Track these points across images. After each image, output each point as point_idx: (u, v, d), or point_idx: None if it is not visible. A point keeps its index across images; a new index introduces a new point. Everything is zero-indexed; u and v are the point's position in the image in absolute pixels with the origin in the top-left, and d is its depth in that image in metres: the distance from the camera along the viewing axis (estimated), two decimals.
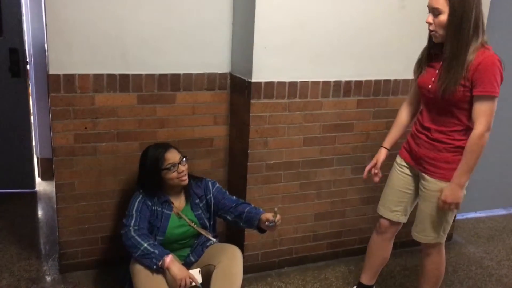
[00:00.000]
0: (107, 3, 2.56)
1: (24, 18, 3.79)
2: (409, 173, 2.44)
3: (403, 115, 2.50)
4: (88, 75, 2.62)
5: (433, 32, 2.15)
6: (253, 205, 2.51)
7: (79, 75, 2.60)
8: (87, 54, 2.59)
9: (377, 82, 2.98)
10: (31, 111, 4.06)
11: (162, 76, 2.76)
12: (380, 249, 2.66)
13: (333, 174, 3.04)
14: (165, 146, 2.45)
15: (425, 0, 2.90)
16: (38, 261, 3.03)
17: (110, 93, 2.68)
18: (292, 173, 2.93)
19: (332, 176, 3.04)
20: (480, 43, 2.08)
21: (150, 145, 2.51)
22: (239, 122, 2.87)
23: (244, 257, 2.43)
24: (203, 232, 2.49)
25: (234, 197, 2.57)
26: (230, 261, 2.32)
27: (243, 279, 2.35)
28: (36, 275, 2.88)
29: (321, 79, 2.83)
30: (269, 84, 2.71)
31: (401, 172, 2.47)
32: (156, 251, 2.20)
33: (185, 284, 2.16)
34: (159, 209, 2.42)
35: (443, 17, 2.07)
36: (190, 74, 2.82)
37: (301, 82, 2.78)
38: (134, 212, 2.36)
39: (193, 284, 2.21)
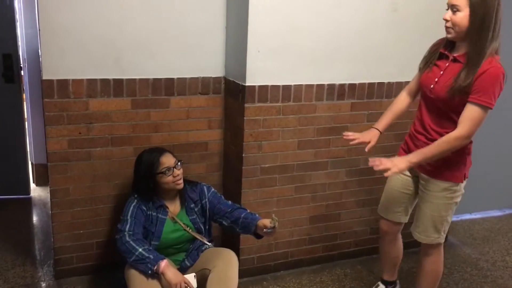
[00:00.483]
0: (100, 8, 2.56)
1: (17, 23, 3.79)
2: (408, 174, 2.45)
3: (400, 101, 2.47)
4: (81, 80, 2.62)
5: (449, 29, 2.11)
6: (248, 210, 2.51)
7: (73, 80, 2.60)
8: (80, 59, 2.59)
9: (371, 85, 2.99)
10: (26, 116, 4.05)
11: (156, 80, 2.76)
12: (389, 249, 2.69)
13: (328, 177, 3.05)
14: (160, 150, 2.45)
15: (417, 3, 2.96)
16: (33, 267, 3.02)
17: (104, 98, 2.68)
18: (287, 177, 2.93)
19: (327, 179, 3.05)
20: (493, 50, 2.05)
21: (145, 149, 2.51)
22: (233, 126, 2.88)
23: (239, 261, 2.43)
24: (198, 236, 2.49)
25: (230, 201, 2.57)
26: (226, 265, 2.32)
27: (239, 283, 2.35)
28: (31, 281, 2.87)
29: (315, 83, 2.84)
30: (263, 88, 2.71)
31: (404, 178, 2.47)
32: (151, 256, 2.20)
33: None
34: (154, 214, 2.42)
35: (461, 15, 2.04)
36: (184, 79, 2.83)
37: (295, 85, 2.79)
38: (129, 217, 2.36)
39: None
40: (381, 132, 2.45)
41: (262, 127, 2.77)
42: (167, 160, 2.40)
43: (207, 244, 2.51)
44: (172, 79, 2.80)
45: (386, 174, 2.11)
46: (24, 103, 4.03)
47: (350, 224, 3.22)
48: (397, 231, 2.63)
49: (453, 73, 2.13)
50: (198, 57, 2.83)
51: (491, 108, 2.06)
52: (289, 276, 3.06)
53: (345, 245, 3.25)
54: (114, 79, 2.68)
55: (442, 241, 2.42)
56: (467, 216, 4.07)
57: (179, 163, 2.43)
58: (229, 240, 3.04)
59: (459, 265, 3.30)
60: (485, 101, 2.04)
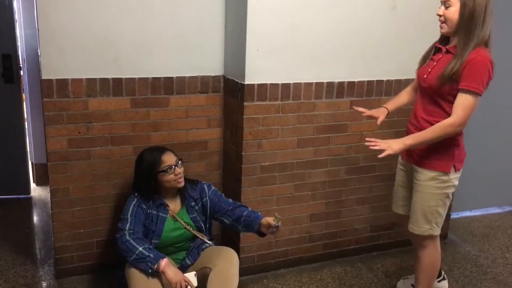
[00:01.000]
0: (99, 8, 2.56)
1: (16, 24, 3.79)
2: (404, 169, 2.56)
3: (406, 92, 2.63)
4: (81, 79, 2.62)
5: (442, 23, 2.24)
6: (250, 208, 2.51)
7: (72, 79, 2.60)
8: (79, 59, 2.59)
9: (370, 82, 2.99)
10: (25, 116, 4.06)
11: (155, 79, 2.77)
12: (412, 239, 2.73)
13: (328, 175, 3.05)
14: (161, 149, 2.46)
15: (416, 1, 2.96)
16: (34, 267, 3.02)
17: (103, 97, 2.68)
18: (287, 175, 2.93)
19: (327, 177, 3.05)
20: (482, 41, 2.15)
21: (145, 148, 2.52)
22: (233, 124, 2.88)
23: (240, 259, 2.44)
24: (198, 235, 2.49)
25: (230, 199, 2.57)
26: (226, 264, 2.33)
27: (239, 281, 2.35)
28: (32, 281, 2.87)
29: (314, 81, 2.84)
30: (262, 86, 2.72)
31: (399, 169, 2.61)
32: (151, 255, 2.20)
33: None
34: (155, 212, 2.42)
35: (452, 10, 2.17)
36: (183, 77, 2.83)
37: (294, 83, 2.79)
38: (129, 216, 2.36)
39: (189, 287, 2.21)
40: (388, 111, 2.57)
41: (261, 126, 2.78)
42: (169, 158, 2.41)
43: (207, 243, 2.51)
44: (171, 78, 2.80)
45: (380, 155, 2.18)
46: (24, 103, 4.03)
47: (350, 222, 3.22)
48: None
49: (445, 63, 2.23)
50: (197, 56, 2.83)
51: (480, 94, 2.14)
52: (289, 274, 3.07)
53: (345, 243, 3.26)
54: (113, 79, 2.68)
55: (435, 233, 2.46)
56: (466, 213, 4.08)
57: (180, 162, 2.44)
58: (229, 239, 3.04)
59: (459, 262, 3.31)
60: (473, 87, 2.12)
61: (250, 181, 2.84)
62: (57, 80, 2.58)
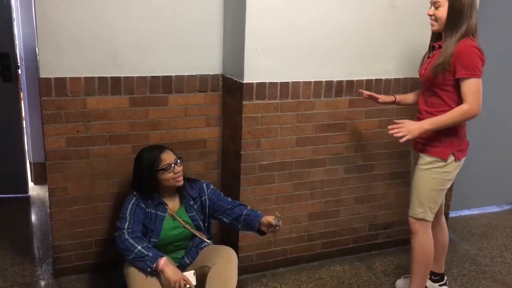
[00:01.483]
0: (97, 7, 2.56)
1: (14, 22, 3.78)
2: (414, 158, 2.66)
3: (412, 93, 2.76)
4: (79, 78, 2.61)
5: (433, 22, 2.41)
6: (249, 207, 2.51)
7: (70, 78, 2.60)
8: (78, 58, 2.59)
9: (369, 81, 2.99)
10: (23, 115, 4.05)
11: (154, 78, 2.76)
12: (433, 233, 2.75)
13: (326, 174, 3.05)
14: (160, 148, 2.46)
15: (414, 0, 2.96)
16: (32, 266, 3.02)
17: (102, 96, 2.68)
18: (285, 174, 2.93)
19: (325, 176, 3.05)
20: (468, 32, 2.31)
21: (144, 147, 2.51)
22: (231, 123, 2.88)
23: (238, 258, 2.44)
24: (197, 233, 2.49)
25: (229, 198, 2.57)
26: (225, 263, 2.32)
27: (238, 280, 2.35)
28: (30, 280, 2.87)
29: (312, 79, 2.84)
30: (261, 85, 2.71)
31: (412, 160, 2.72)
32: (150, 254, 2.20)
33: (179, 287, 2.16)
34: (153, 211, 2.42)
35: (442, 10, 2.34)
36: (182, 76, 2.82)
37: (293, 82, 2.79)
38: (127, 214, 2.35)
39: (188, 286, 2.20)
40: (395, 99, 2.73)
41: (260, 124, 2.77)
42: (168, 157, 2.41)
43: (206, 242, 2.51)
44: (170, 77, 2.80)
45: (401, 140, 2.36)
46: (22, 102, 4.02)
47: (348, 221, 3.22)
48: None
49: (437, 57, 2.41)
50: (196, 54, 2.83)
51: (478, 77, 2.28)
52: (288, 273, 3.07)
53: (344, 241, 3.26)
54: (111, 77, 2.67)
55: (427, 218, 2.54)
56: (465, 212, 4.08)
57: (179, 160, 2.43)
58: (228, 238, 3.04)
59: (457, 261, 3.31)
60: (469, 73, 2.28)
61: (249, 180, 2.84)
62: (56, 78, 2.57)
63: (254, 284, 2.93)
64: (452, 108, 2.37)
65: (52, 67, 2.55)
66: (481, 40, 2.39)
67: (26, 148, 4.05)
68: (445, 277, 2.92)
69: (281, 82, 2.76)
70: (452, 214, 3.90)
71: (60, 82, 2.58)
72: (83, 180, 2.76)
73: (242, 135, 2.75)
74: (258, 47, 2.64)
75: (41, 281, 2.87)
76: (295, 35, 2.72)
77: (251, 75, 2.67)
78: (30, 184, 4.20)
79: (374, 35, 2.92)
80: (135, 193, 2.43)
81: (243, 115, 2.71)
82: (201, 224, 2.52)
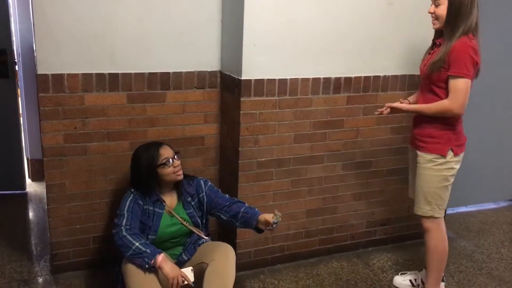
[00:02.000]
0: (95, 2, 2.55)
1: (11, 18, 3.76)
2: (412, 155, 2.69)
3: (415, 95, 2.75)
4: (77, 74, 2.60)
5: (434, 20, 2.44)
6: (247, 204, 2.51)
7: (68, 74, 2.59)
8: (75, 54, 2.58)
9: (367, 78, 2.99)
10: (20, 112, 4.03)
11: (152, 75, 2.76)
12: None
13: (324, 170, 3.05)
14: (157, 143, 2.46)
15: None
16: (30, 262, 3.01)
17: (100, 92, 2.67)
18: (283, 170, 2.93)
19: (323, 173, 3.05)
20: (467, 30, 2.33)
21: (140, 145, 2.50)
22: (229, 120, 2.87)
23: (236, 254, 2.43)
24: (195, 230, 2.49)
25: (227, 195, 2.57)
26: (223, 260, 2.32)
27: (236, 277, 2.35)
28: (28, 277, 2.86)
29: (310, 76, 2.84)
30: (259, 82, 2.71)
31: (410, 156, 2.76)
32: (148, 250, 2.20)
33: (177, 283, 2.16)
34: (151, 208, 2.42)
35: (442, 8, 2.36)
36: (180, 73, 2.82)
37: (291, 79, 2.79)
38: (125, 211, 2.35)
39: (186, 282, 2.21)
40: (410, 102, 2.72)
41: (258, 121, 2.77)
42: (166, 152, 2.41)
43: (204, 238, 2.51)
44: (168, 73, 2.79)
45: (378, 110, 2.57)
46: (19, 98, 4.01)
47: (346, 218, 3.23)
48: None
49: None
50: (194, 51, 2.82)
51: (465, 77, 2.31)
52: (285, 269, 3.07)
53: (342, 238, 3.26)
54: (109, 74, 2.67)
55: (436, 215, 2.57)
56: (462, 209, 4.10)
57: (177, 154, 2.43)
58: (226, 234, 3.05)
59: (454, 257, 3.32)
60: (458, 71, 2.31)
61: (247, 176, 2.84)
62: (53, 75, 2.56)
63: (252, 280, 2.94)
64: None
65: (50, 64, 2.54)
66: (480, 38, 2.39)
67: (23, 145, 4.04)
68: (443, 274, 2.92)
69: (279, 79, 2.76)
70: (449, 211, 3.91)
71: (58, 78, 2.57)
72: (80, 176, 2.76)
73: (240, 132, 2.74)
74: (256, 43, 2.64)
75: (38, 277, 2.87)
76: (293, 31, 2.72)
77: (249, 71, 2.67)
78: (28, 180, 4.19)
79: (373, 32, 2.92)
80: (132, 190, 2.43)
81: (241, 111, 2.71)
82: (199, 220, 2.52)
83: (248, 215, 2.42)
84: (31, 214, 3.75)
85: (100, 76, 2.65)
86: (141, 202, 2.40)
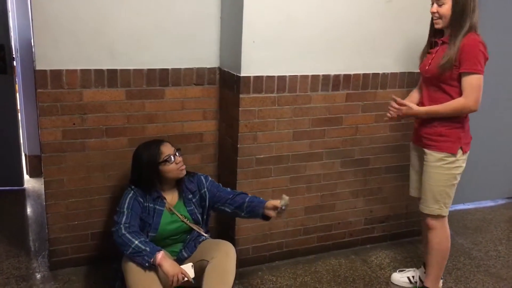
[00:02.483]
0: None
1: (10, 14, 3.75)
2: (416, 153, 2.69)
3: (415, 92, 2.73)
4: (75, 70, 2.60)
5: (437, 19, 2.43)
6: (249, 194, 2.52)
7: (67, 70, 2.58)
8: (74, 50, 2.57)
9: (366, 75, 2.99)
10: (19, 107, 4.02)
11: (151, 71, 2.75)
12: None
13: (323, 167, 3.05)
14: (158, 141, 2.46)
15: None
16: (28, 259, 3.01)
17: (98, 88, 2.66)
18: (282, 167, 2.93)
19: (322, 170, 3.06)
20: (471, 28, 2.35)
21: (140, 144, 2.49)
22: (228, 116, 2.87)
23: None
24: (195, 227, 2.49)
25: (229, 188, 2.59)
26: (224, 257, 2.32)
27: (235, 274, 2.35)
28: (26, 273, 2.86)
29: (310, 73, 2.83)
30: (258, 79, 2.71)
31: (412, 154, 2.74)
32: (147, 248, 2.19)
33: (177, 280, 2.16)
34: (151, 205, 2.41)
35: (446, 7, 2.36)
36: (179, 69, 2.81)
37: (290, 76, 2.78)
38: (125, 209, 2.34)
39: (186, 279, 2.21)
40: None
41: (257, 118, 2.77)
42: (167, 149, 2.41)
43: (204, 235, 2.51)
44: (167, 69, 2.78)
45: (391, 113, 2.51)
46: (17, 94, 3.99)
47: (344, 215, 3.23)
48: None
49: (442, 53, 2.42)
50: (193, 47, 2.81)
51: (479, 73, 2.32)
52: (284, 266, 3.08)
53: (340, 235, 3.27)
54: (108, 70, 2.66)
55: (444, 213, 2.58)
56: (460, 207, 4.10)
57: (177, 151, 2.43)
58: (224, 231, 3.05)
59: (452, 255, 3.32)
60: (472, 68, 2.32)
61: (246, 173, 2.84)
62: (52, 70, 2.55)
63: (250, 277, 2.94)
64: None
65: (48, 59, 2.53)
66: (482, 36, 2.39)
67: (21, 141, 4.03)
68: (442, 272, 2.93)
69: (278, 76, 2.75)
70: None
71: (56, 74, 2.57)
72: (79, 172, 2.75)
73: (239, 129, 2.74)
74: (256, 40, 2.63)
75: (36, 274, 2.86)
76: (292, 28, 2.71)
77: (248, 68, 2.67)
78: (26, 176, 4.18)
79: (372, 29, 2.92)
80: (133, 187, 2.42)
81: (240, 108, 2.71)
82: (199, 217, 2.52)
83: (253, 203, 2.44)
84: (29, 210, 3.74)
85: (98, 72, 2.64)
86: (141, 200, 2.40)
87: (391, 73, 3.05)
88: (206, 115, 2.96)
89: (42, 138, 2.63)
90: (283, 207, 2.36)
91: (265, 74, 2.72)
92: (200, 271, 2.30)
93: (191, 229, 2.48)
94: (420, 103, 2.59)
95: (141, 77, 2.74)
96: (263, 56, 2.68)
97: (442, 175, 2.50)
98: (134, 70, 2.71)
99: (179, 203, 2.49)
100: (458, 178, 2.55)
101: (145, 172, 2.39)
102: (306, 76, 2.83)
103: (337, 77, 2.91)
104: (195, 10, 2.76)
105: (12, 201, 3.82)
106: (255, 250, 3.03)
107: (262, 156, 2.85)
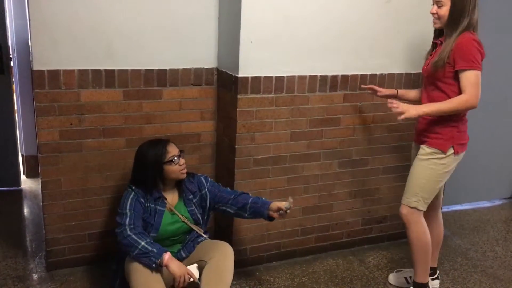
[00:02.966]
0: None
1: (7, 13, 3.74)
2: (416, 151, 2.66)
3: (414, 90, 2.81)
4: (73, 70, 2.59)
5: (436, 20, 2.46)
6: (251, 194, 2.53)
7: (64, 70, 2.58)
8: (71, 50, 2.57)
9: (363, 76, 2.99)
10: (16, 108, 4.01)
11: (148, 71, 2.75)
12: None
13: (320, 168, 3.06)
14: (164, 141, 2.45)
15: None
16: (25, 259, 3.00)
17: (96, 89, 2.66)
18: (280, 168, 2.93)
19: (319, 170, 3.06)
20: (467, 27, 2.37)
21: (146, 141, 2.48)
22: (226, 117, 2.87)
23: None
24: (195, 228, 2.48)
25: (229, 188, 2.59)
26: (222, 258, 2.33)
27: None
28: (23, 273, 2.85)
29: (307, 74, 2.84)
30: (256, 79, 2.71)
31: (413, 153, 2.73)
32: (154, 249, 2.18)
33: (184, 281, 2.17)
34: (153, 205, 2.40)
35: (445, 8, 2.39)
36: (177, 70, 2.81)
37: (287, 76, 2.79)
38: (127, 210, 2.33)
39: (191, 280, 2.21)
40: (397, 93, 2.80)
41: (255, 118, 2.77)
42: (173, 149, 2.42)
43: (203, 236, 2.51)
44: (165, 70, 2.78)
45: (399, 117, 2.41)
46: (14, 94, 3.98)
47: (342, 215, 3.23)
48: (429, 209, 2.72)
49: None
50: (191, 48, 2.81)
51: (478, 69, 2.34)
52: (281, 266, 3.08)
53: (337, 235, 3.27)
54: (105, 70, 2.65)
55: (420, 207, 2.57)
56: (457, 207, 4.11)
57: (181, 153, 2.45)
58: (222, 232, 3.05)
59: (449, 255, 3.34)
60: (468, 65, 2.34)
61: (243, 174, 2.84)
62: (49, 71, 2.55)
63: (248, 277, 2.94)
64: None
65: (46, 59, 2.53)
66: (480, 36, 2.41)
67: (18, 141, 4.02)
68: (438, 271, 2.94)
69: (276, 76, 2.75)
70: (444, 209, 3.92)
71: (54, 74, 2.56)
72: (76, 173, 2.75)
73: (236, 129, 2.74)
74: (253, 40, 2.64)
75: (34, 274, 2.86)
76: (290, 29, 2.72)
77: (246, 69, 2.67)
78: (22, 177, 4.16)
79: (370, 30, 2.92)
80: (134, 187, 2.41)
81: (237, 109, 2.71)
82: (200, 217, 2.52)
83: (257, 205, 2.45)
84: (26, 211, 3.73)
85: (96, 72, 2.64)
86: (142, 200, 2.38)
87: (389, 73, 3.06)
88: (203, 115, 2.96)
89: (39, 138, 2.63)
90: (287, 210, 2.38)
91: (262, 75, 2.72)
92: (199, 271, 2.29)
93: (191, 230, 2.48)
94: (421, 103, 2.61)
95: (139, 77, 2.73)
96: (261, 57, 2.68)
97: (427, 169, 2.52)
98: (132, 70, 2.71)
99: (180, 204, 2.49)
100: (445, 177, 2.57)
101: (150, 170, 2.38)
102: (304, 77, 2.83)
103: (334, 77, 2.92)
104: (193, 11, 2.76)
105: (9, 202, 3.81)
106: (252, 251, 3.03)
107: (259, 157, 2.85)
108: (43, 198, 2.75)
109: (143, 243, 2.20)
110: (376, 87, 2.82)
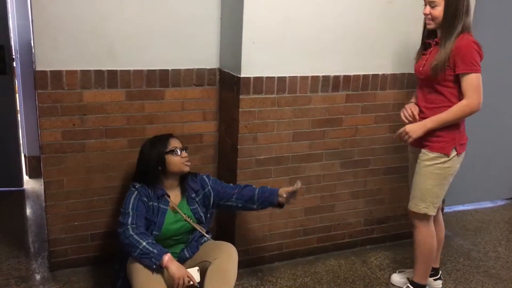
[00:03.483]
0: None
1: (9, 14, 3.75)
2: (413, 154, 2.69)
3: (413, 98, 2.73)
4: (75, 71, 2.60)
5: (429, 21, 2.44)
6: (254, 186, 2.54)
7: (67, 71, 2.58)
8: (74, 50, 2.57)
9: (366, 76, 2.99)
10: (18, 108, 4.02)
11: (151, 72, 2.75)
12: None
13: (322, 168, 3.05)
14: (168, 134, 2.51)
15: None
16: (27, 260, 3.01)
17: (98, 89, 2.67)
18: (282, 168, 2.93)
19: (321, 171, 3.06)
20: (464, 29, 2.36)
21: (150, 137, 2.53)
22: (228, 117, 2.87)
23: None
24: (198, 227, 2.48)
25: (231, 184, 2.60)
26: (226, 259, 2.32)
27: None
28: (26, 274, 2.86)
29: (310, 74, 2.84)
30: (258, 79, 2.71)
31: (410, 155, 2.75)
32: (155, 251, 2.18)
33: (183, 283, 2.16)
34: (156, 204, 2.41)
35: (439, 9, 2.37)
36: (179, 70, 2.81)
37: (290, 77, 2.79)
38: (130, 209, 2.33)
39: (191, 283, 2.20)
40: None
41: (257, 119, 2.77)
42: (175, 142, 2.46)
43: (206, 236, 2.51)
44: (167, 70, 2.79)
45: (408, 142, 2.48)
46: (17, 94, 3.99)
47: (344, 216, 3.23)
48: None
49: (435, 54, 2.43)
50: (193, 48, 2.82)
51: (478, 72, 2.34)
52: (283, 267, 3.08)
53: (339, 236, 3.27)
54: (108, 70, 2.66)
55: (430, 213, 2.58)
56: (459, 208, 4.11)
57: (185, 148, 2.48)
58: (224, 232, 3.05)
59: (451, 256, 3.33)
60: (469, 68, 2.33)
61: (245, 174, 2.84)
62: (52, 71, 2.55)
63: (250, 278, 2.94)
64: (454, 103, 2.41)
65: (48, 60, 2.53)
66: (477, 37, 2.41)
67: (21, 142, 4.02)
68: (440, 272, 2.94)
69: (278, 77, 2.75)
70: (447, 210, 3.92)
71: (56, 75, 2.57)
72: (78, 173, 2.75)
73: (238, 130, 2.74)
74: (256, 41, 2.64)
75: (36, 274, 2.86)
76: (292, 29, 2.72)
77: (248, 69, 2.67)
78: (25, 177, 4.17)
79: (372, 30, 2.92)
80: (137, 186, 2.41)
81: (240, 109, 2.71)
82: (202, 216, 2.52)
83: (266, 194, 2.47)
84: (28, 211, 3.74)
85: (98, 73, 2.64)
86: (145, 199, 2.39)
87: (391, 74, 3.06)
88: (206, 116, 2.96)
89: (42, 139, 2.63)
90: (296, 192, 2.40)
91: (265, 75, 2.72)
92: (202, 272, 2.29)
93: (194, 229, 2.48)
94: (416, 105, 2.59)
95: (141, 78, 2.74)
96: (263, 57, 2.68)
97: (432, 174, 2.51)
98: (134, 70, 2.71)
99: (182, 202, 2.49)
100: (450, 179, 2.56)
101: (152, 160, 2.40)
102: (306, 77, 2.83)
103: (336, 78, 2.92)
104: (195, 11, 2.77)
105: (12, 202, 3.82)
106: (254, 251, 3.03)
107: (262, 157, 2.85)
108: (45, 199, 2.75)
109: (144, 243, 2.20)
110: (416, 116, 2.57)
